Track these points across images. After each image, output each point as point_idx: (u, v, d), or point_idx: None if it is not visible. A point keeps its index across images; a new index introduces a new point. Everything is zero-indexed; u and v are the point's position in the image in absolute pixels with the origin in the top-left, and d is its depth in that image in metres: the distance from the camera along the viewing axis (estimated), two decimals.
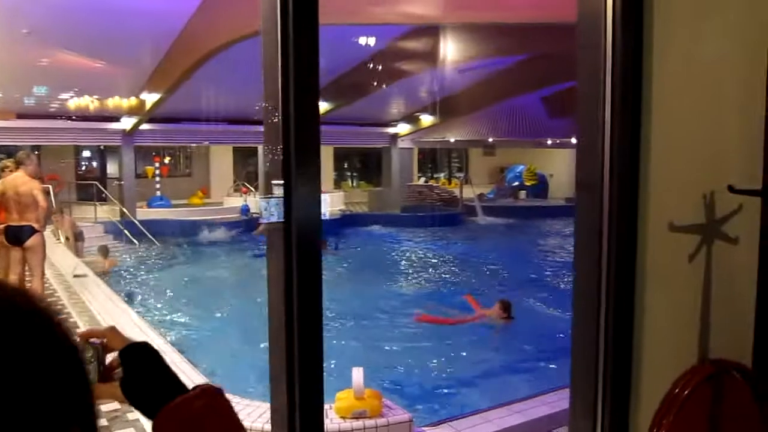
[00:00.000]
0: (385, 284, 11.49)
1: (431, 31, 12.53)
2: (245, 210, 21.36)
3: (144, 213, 18.80)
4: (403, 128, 23.59)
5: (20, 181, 7.77)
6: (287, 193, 1.33)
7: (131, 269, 12.82)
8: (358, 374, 3.90)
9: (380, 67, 15.20)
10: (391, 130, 23.66)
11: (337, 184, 29.58)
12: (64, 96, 15.60)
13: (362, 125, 22.58)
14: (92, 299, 8.41)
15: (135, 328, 7.08)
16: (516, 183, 26.71)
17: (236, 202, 23.13)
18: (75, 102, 15.69)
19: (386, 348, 7.70)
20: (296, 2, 1.31)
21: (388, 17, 8.66)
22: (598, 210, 2.03)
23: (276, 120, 1.37)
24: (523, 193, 26.43)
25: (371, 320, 9.06)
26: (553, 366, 6.67)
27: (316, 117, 1.37)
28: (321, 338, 1.46)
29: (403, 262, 13.84)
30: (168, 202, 21.61)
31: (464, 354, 7.50)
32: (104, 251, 12.40)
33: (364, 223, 18.95)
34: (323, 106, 18.46)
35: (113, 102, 16.12)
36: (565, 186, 26.70)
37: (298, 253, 1.35)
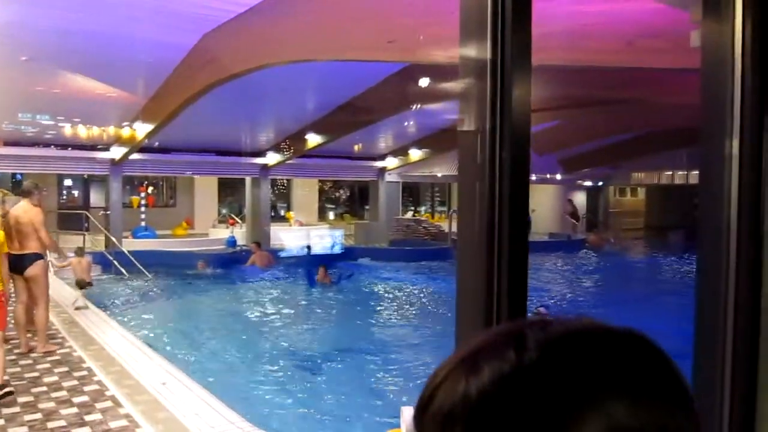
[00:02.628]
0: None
1: (422, 68, 12.69)
2: (232, 242, 21.18)
3: (129, 244, 18.51)
4: (390, 162, 23.72)
5: (23, 211, 7.66)
6: (490, 221, 1.33)
7: (129, 300, 12.61)
8: (409, 414, 3.83)
9: (371, 103, 15.30)
10: (379, 163, 23.76)
11: (322, 216, 29.51)
12: (60, 124, 15.43)
13: (351, 158, 22.66)
14: (100, 332, 8.23)
15: (144, 357, 6.92)
16: None
17: (221, 233, 22.94)
18: (68, 130, 15.52)
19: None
20: (513, 38, 1.31)
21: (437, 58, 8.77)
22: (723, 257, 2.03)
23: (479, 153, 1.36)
24: None
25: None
26: None
27: (527, 153, 1.37)
28: None
29: (404, 297, 13.78)
30: (153, 233, 21.35)
31: None
32: (80, 251, 12.18)
33: (354, 257, 18.85)
34: (315, 140, 18.54)
35: (106, 131, 15.98)
36: (547, 221, 27.04)
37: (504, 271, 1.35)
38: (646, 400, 0.49)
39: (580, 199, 30.82)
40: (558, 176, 25.63)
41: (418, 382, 7.67)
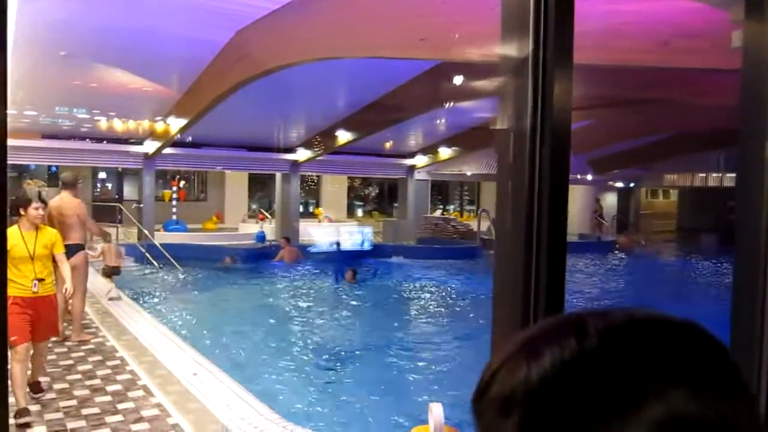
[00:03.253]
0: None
1: (453, 66, 12.64)
2: (261, 237, 21.35)
3: (161, 236, 18.77)
4: (420, 160, 23.69)
5: (64, 202, 7.81)
6: (529, 219, 1.34)
7: (160, 292, 12.80)
8: (438, 410, 3.84)
9: (401, 101, 15.30)
10: (408, 161, 23.76)
11: (350, 213, 29.59)
12: (95, 117, 15.71)
13: (380, 156, 22.69)
14: (132, 323, 8.38)
15: (176, 348, 7.03)
16: None
17: (251, 228, 23.15)
18: (104, 123, 15.80)
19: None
20: (555, 35, 1.32)
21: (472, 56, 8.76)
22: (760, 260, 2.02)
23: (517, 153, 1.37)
24: None
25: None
26: None
27: (567, 152, 1.38)
28: None
29: (432, 296, 13.78)
30: (184, 226, 21.64)
31: None
32: (108, 237, 11.59)
33: (382, 254, 18.87)
34: (345, 137, 18.61)
35: (141, 125, 16.24)
36: (577, 222, 26.80)
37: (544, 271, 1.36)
38: (705, 389, 0.49)
39: (610, 200, 30.48)
40: (588, 177, 25.36)
41: (444, 381, 7.69)
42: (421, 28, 7.52)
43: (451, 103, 15.85)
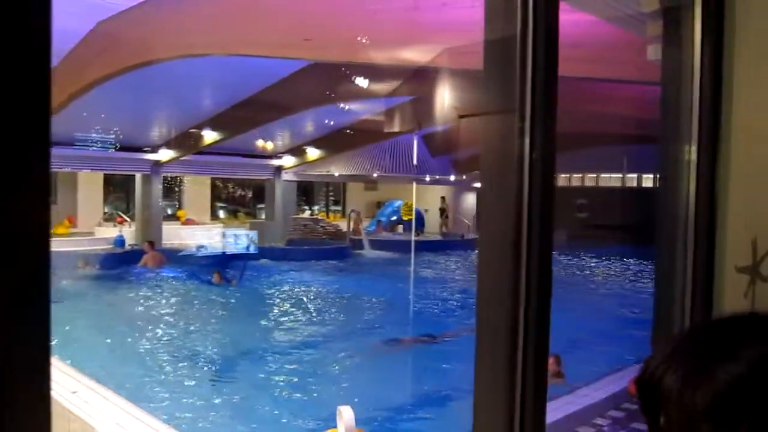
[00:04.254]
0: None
1: (325, 68, 12.63)
2: (120, 242, 20.19)
3: None
4: (288, 161, 23.48)
5: None
6: (518, 223, 1.35)
7: None
8: (348, 413, 3.81)
9: (271, 101, 15.08)
10: (275, 162, 23.46)
11: (214, 214, 28.75)
12: None
13: (247, 156, 22.24)
14: None
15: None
16: (394, 217, 27.35)
17: (108, 232, 21.84)
18: None
19: None
20: (542, 35, 1.34)
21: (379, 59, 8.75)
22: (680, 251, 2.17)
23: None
24: (400, 227, 27.12)
25: None
26: None
27: (554, 154, 1.40)
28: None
29: (303, 297, 13.66)
30: None
31: None
32: None
33: (252, 257, 18.48)
34: (211, 136, 18.07)
35: None
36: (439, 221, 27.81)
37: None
38: None
39: (470, 200, 31.75)
40: (451, 177, 26.28)
41: (311, 380, 7.69)
42: (305, 27, 7.45)
43: (322, 104, 15.85)
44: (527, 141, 1.35)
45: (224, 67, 12.74)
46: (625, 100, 12.40)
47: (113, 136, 18.56)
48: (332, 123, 19.08)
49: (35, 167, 0.77)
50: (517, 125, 1.35)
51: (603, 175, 28.57)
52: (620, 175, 27.43)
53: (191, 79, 13.60)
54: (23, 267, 0.75)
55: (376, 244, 21.83)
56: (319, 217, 26.85)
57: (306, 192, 34.49)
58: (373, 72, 11.48)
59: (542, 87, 1.34)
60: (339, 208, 34.53)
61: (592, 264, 19.99)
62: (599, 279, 17.54)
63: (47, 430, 0.76)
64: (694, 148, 2.14)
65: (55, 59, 11.81)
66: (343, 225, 24.15)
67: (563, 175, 29.57)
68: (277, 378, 7.87)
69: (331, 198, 36.31)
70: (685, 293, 2.18)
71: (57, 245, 18.96)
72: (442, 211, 28.78)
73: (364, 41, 7.17)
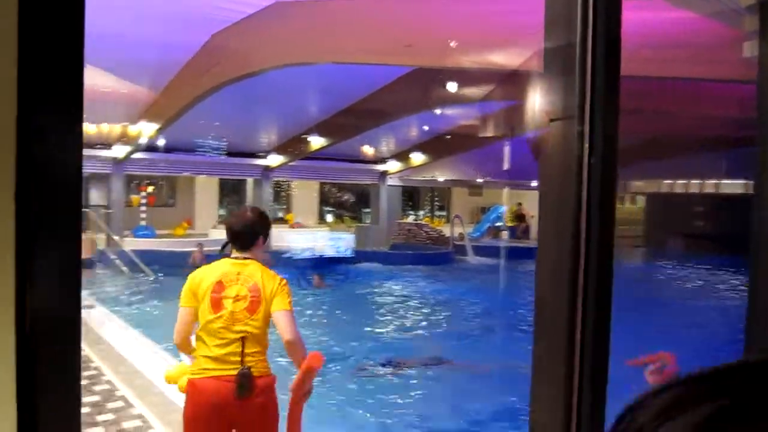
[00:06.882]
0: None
1: (427, 73, 12.65)
2: None
3: (130, 242, 18.45)
4: (392, 166, 23.72)
5: None
6: (576, 228, 1.32)
7: (133, 298, 12.56)
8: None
9: (374, 107, 15.28)
10: (380, 167, 23.77)
11: (321, 218, 29.47)
12: None
13: (353, 161, 22.66)
14: (107, 331, 8.19)
15: (154, 356, 6.89)
16: (499, 223, 26.98)
17: (222, 234, 22.80)
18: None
19: None
20: (603, 35, 1.31)
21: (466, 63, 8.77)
22: None
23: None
24: (505, 233, 26.70)
25: None
26: None
27: (615, 159, 1.36)
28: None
29: (405, 301, 13.73)
30: (152, 232, 21.29)
31: None
32: None
33: (356, 260, 18.81)
34: (318, 142, 18.54)
35: (112, 129, 15.97)
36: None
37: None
38: None
39: None
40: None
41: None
42: (407, 33, 7.52)
43: (426, 110, 15.90)
44: (586, 145, 1.32)
45: (329, 75, 13.06)
46: (733, 101, 11.66)
47: (226, 143, 19.49)
48: (434, 128, 19.09)
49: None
50: (576, 129, 1.33)
51: (724, 182, 26.95)
52: (743, 181, 25.77)
53: (298, 87, 14.02)
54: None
55: (480, 250, 21.61)
56: (423, 222, 26.92)
57: (411, 197, 34.70)
58: (469, 76, 11.42)
59: (602, 91, 1.30)
60: (444, 213, 34.50)
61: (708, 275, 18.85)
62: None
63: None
64: None
65: (175, 69, 12.58)
66: (447, 230, 24.11)
67: (681, 182, 28.14)
68: (368, 386, 7.89)
69: (436, 203, 36.34)
70: None
71: (175, 245, 20.09)
72: (520, 217, 28.09)
73: (455, 45, 7.16)
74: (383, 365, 8.23)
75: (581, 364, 1.33)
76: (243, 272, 3.33)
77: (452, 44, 6.86)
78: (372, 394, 7.32)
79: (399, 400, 7.15)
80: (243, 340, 3.22)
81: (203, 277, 3.32)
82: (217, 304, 3.24)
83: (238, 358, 3.19)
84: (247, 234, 3.39)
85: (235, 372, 3.16)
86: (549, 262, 1.41)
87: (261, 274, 3.35)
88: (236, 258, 3.39)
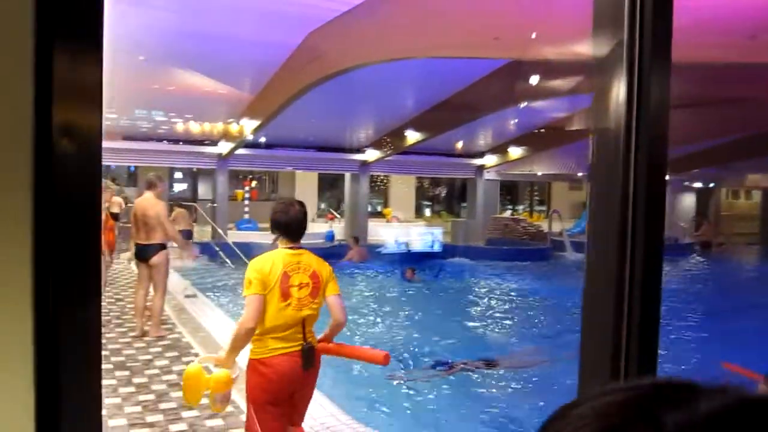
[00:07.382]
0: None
1: (519, 66, 12.40)
2: (330, 237, 21.57)
3: (233, 235, 19.23)
4: (489, 160, 23.44)
5: (148, 203, 8.05)
6: (623, 226, 1.28)
7: (233, 289, 13.10)
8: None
9: (469, 101, 15.14)
10: (477, 161, 23.55)
11: (419, 213, 29.58)
12: (172, 119, 16.25)
13: (449, 156, 22.57)
14: (207, 320, 8.59)
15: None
16: None
17: (321, 228, 23.42)
18: (180, 125, 16.31)
19: None
20: (652, 29, 1.26)
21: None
22: None
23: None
24: None
25: None
26: None
27: (665, 156, 1.31)
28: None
29: (499, 297, 13.58)
30: (255, 225, 22.08)
31: None
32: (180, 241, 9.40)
33: (450, 255, 18.75)
34: (414, 137, 18.59)
35: (215, 127, 16.67)
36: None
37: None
38: None
39: (688, 201, 29.39)
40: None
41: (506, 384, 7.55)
42: (494, 26, 7.43)
43: (520, 103, 15.61)
44: (633, 143, 1.28)
45: (424, 70, 13.08)
46: None
47: (324, 138, 19.94)
48: (531, 122, 18.70)
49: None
50: (623, 126, 1.29)
51: None
52: None
53: (393, 82, 14.11)
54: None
55: (579, 246, 20.99)
56: (521, 217, 26.48)
57: (510, 191, 34.21)
58: (559, 69, 11.12)
59: (650, 88, 1.26)
60: (543, 207, 33.80)
61: None
62: None
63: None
64: None
65: (273, 68, 12.98)
66: (545, 226, 23.59)
67: None
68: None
69: (536, 198, 35.65)
70: None
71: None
72: None
73: (536, 37, 6.99)
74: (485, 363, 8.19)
75: (626, 366, 1.30)
76: (301, 261, 3.73)
77: (533, 36, 6.72)
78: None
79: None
80: (304, 320, 3.70)
81: (270, 268, 3.66)
82: (285, 294, 3.64)
83: (301, 335, 3.69)
84: (299, 226, 3.78)
85: (299, 348, 3.68)
86: (597, 263, 1.37)
87: (315, 262, 3.79)
88: (291, 248, 3.75)
